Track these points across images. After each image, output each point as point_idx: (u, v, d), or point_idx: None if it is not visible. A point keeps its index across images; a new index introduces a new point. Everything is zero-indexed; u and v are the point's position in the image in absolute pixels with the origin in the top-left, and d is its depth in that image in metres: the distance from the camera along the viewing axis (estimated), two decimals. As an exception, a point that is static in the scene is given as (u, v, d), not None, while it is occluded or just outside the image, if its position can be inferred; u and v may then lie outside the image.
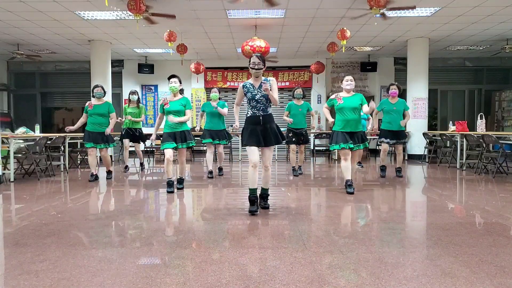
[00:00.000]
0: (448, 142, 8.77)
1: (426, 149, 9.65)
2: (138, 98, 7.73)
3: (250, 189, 4.02)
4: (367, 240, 3.07)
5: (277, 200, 4.72)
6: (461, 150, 7.96)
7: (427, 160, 9.45)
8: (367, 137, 8.05)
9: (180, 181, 5.64)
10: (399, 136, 6.59)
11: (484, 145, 7.10)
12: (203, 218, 3.93)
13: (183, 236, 3.18)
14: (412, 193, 5.76)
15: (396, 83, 6.70)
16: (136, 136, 7.79)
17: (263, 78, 4.08)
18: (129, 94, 7.69)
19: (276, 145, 4.27)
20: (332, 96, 5.32)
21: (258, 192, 4.12)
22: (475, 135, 7.35)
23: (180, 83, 5.35)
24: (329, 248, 2.83)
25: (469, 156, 7.86)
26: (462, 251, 2.76)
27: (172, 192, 5.28)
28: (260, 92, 4.01)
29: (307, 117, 7.32)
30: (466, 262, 2.53)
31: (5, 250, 2.85)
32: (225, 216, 3.91)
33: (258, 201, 4.15)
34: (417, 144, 10.15)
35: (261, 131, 4.00)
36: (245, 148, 4.33)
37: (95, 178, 6.47)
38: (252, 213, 3.94)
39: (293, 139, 6.87)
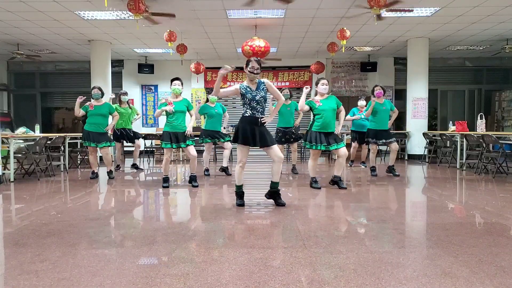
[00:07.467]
0: (448, 142, 8.77)
1: (426, 149, 9.64)
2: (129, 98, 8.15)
3: (236, 186, 4.36)
4: (367, 240, 3.07)
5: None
6: (461, 150, 7.96)
7: (427, 160, 9.44)
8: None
9: (193, 178, 5.75)
10: (386, 135, 6.70)
11: (484, 145, 7.10)
12: (203, 218, 3.93)
13: (183, 236, 3.18)
14: (412, 193, 5.76)
15: (380, 85, 6.99)
16: (130, 136, 7.93)
17: (257, 80, 4.29)
18: (120, 95, 7.96)
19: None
20: (310, 99, 5.49)
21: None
22: (475, 135, 7.35)
23: (182, 85, 5.64)
24: (329, 248, 2.83)
25: (469, 156, 7.85)
26: (462, 251, 2.76)
27: (167, 187, 5.61)
28: (259, 93, 4.19)
29: (295, 116, 7.27)
30: (466, 262, 2.53)
31: (5, 250, 2.85)
32: (225, 216, 3.91)
33: (267, 195, 4.40)
34: (417, 144, 10.14)
35: (258, 132, 4.15)
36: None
37: (96, 175, 6.66)
38: (240, 206, 4.27)
39: (282, 139, 6.87)
